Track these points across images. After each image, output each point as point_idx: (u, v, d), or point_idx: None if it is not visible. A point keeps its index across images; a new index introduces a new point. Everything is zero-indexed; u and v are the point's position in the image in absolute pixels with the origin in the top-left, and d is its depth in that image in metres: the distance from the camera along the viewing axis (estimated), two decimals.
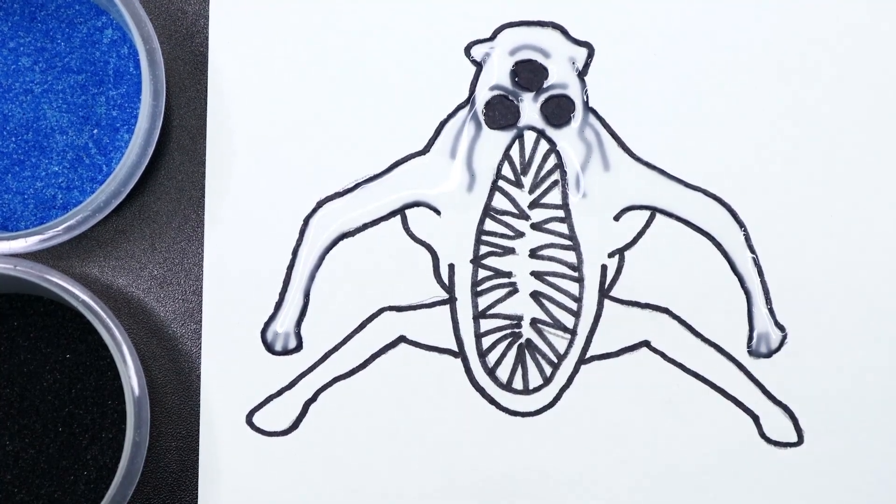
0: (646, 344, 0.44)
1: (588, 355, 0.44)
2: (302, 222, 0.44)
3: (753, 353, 0.44)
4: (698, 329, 0.44)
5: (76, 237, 0.41)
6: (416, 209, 0.44)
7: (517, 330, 0.44)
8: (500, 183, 0.45)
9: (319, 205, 0.44)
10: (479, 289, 0.44)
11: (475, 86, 0.45)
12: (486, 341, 0.44)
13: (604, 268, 0.44)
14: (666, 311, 0.44)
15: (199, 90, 0.45)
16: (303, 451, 0.43)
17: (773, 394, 0.43)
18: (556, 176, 0.44)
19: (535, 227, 0.44)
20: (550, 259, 0.44)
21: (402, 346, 0.44)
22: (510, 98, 0.45)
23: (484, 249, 0.44)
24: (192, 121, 0.45)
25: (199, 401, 0.43)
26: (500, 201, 0.44)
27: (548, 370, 0.44)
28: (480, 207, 0.44)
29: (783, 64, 0.45)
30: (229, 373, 0.44)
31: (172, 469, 0.44)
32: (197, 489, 0.43)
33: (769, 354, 0.44)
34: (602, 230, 0.44)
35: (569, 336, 0.44)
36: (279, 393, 0.44)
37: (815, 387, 0.43)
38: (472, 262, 0.44)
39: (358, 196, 0.44)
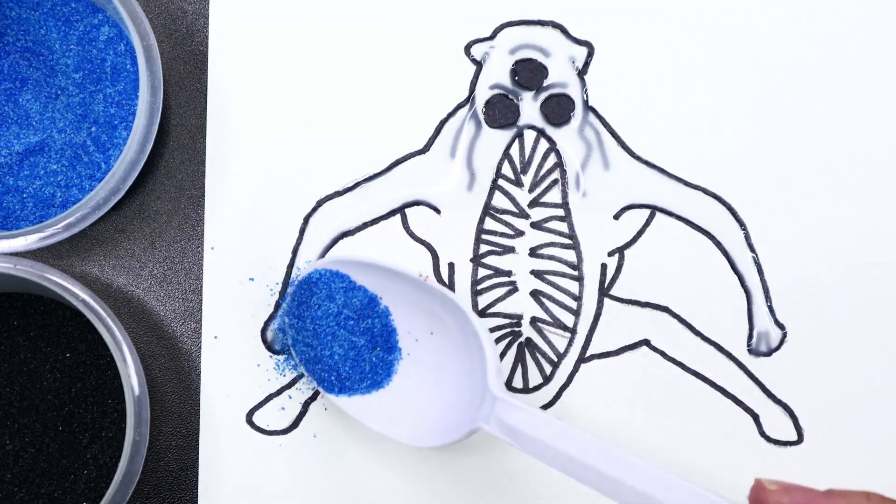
0: (646, 342, 0.44)
1: (588, 354, 0.44)
2: (302, 221, 0.44)
3: (753, 351, 0.44)
4: (698, 328, 0.44)
5: (76, 236, 0.41)
6: (416, 208, 0.44)
7: (517, 329, 0.44)
8: (500, 182, 0.44)
9: (319, 204, 0.44)
10: (478, 287, 0.44)
11: (475, 85, 0.45)
12: None
13: (604, 266, 0.44)
14: (666, 309, 0.44)
15: (199, 89, 0.45)
16: (303, 450, 0.43)
17: (773, 392, 0.44)
18: (555, 175, 0.44)
19: (534, 225, 0.44)
20: (550, 258, 0.44)
21: None
22: (510, 97, 0.45)
23: (484, 248, 0.44)
24: (192, 120, 0.45)
25: (199, 400, 0.43)
26: (499, 200, 0.44)
27: (548, 369, 0.44)
28: (480, 206, 0.44)
29: (783, 63, 0.45)
30: (229, 372, 0.44)
31: (172, 468, 0.43)
32: (197, 488, 0.43)
33: (769, 353, 0.44)
34: (602, 229, 0.44)
35: (568, 335, 0.44)
36: (279, 392, 0.44)
37: (815, 386, 0.44)
38: (471, 260, 0.44)
39: (358, 195, 0.44)
